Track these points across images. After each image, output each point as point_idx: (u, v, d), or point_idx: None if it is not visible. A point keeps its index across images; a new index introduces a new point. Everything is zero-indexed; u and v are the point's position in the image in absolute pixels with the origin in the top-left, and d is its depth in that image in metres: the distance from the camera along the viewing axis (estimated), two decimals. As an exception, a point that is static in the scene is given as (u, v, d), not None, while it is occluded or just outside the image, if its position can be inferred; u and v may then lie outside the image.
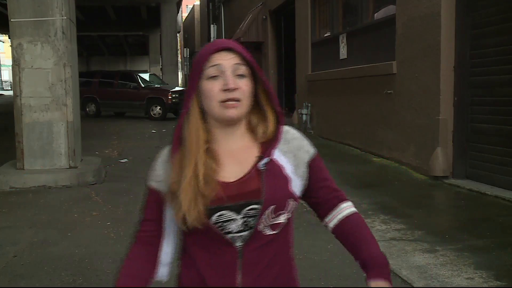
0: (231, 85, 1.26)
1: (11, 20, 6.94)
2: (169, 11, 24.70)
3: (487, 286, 3.33)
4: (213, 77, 1.28)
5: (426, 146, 6.60)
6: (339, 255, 4.05)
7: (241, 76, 1.29)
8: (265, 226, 1.28)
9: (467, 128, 6.28)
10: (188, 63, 34.88)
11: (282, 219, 1.30)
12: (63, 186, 6.72)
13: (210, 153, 1.30)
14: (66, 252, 4.21)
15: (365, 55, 8.75)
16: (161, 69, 28.12)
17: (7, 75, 56.69)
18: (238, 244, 1.28)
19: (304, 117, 11.50)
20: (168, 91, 17.34)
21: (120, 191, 6.45)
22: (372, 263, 1.31)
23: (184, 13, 41.18)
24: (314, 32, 11.56)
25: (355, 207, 1.42)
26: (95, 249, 4.27)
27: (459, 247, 4.03)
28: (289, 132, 1.38)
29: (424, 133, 6.70)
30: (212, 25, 18.81)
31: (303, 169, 1.36)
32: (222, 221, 1.26)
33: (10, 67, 8.26)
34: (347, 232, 1.38)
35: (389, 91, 7.64)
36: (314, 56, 11.52)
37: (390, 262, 1.33)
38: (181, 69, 38.11)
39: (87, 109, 18.39)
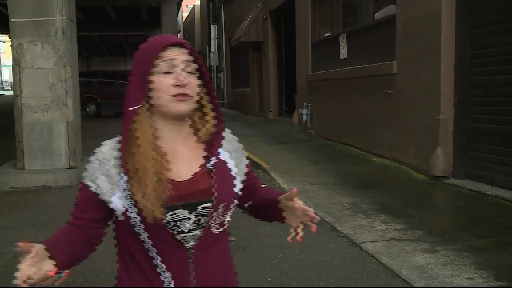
0: (184, 81, 1.26)
1: (12, 20, 6.94)
2: (169, 11, 24.66)
3: (487, 286, 3.33)
4: (165, 72, 1.27)
5: (426, 146, 6.60)
6: (339, 255, 4.05)
7: (190, 73, 1.29)
8: (214, 225, 1.30)
9: (467, 128, 6.28)
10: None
11: (227, 217, 1.33)
12: (63, 186, 6.72)
13: (158, 150, 1.28)
14: (67, 252, 4.20)
15: (365, 55, 8.75)
16: (161, 69, 28.04)
17: (7, 75, 56.70)
18: (190, 244, 1.27)
19: (304, 117, 11.50)
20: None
21: (120, 191, 6.43)
22: (278, 194, 1.43)
23: (184, 13, 41.14)
24: (314, 32, 11.55)
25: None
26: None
27: (459, 247, 4.03)
28: (227, 133, 1.41)
29: (424, 133, 6.70)
30: (212, 25, 18.82)
31: (243, 170, 1.41)
32: (175, 220, 1.25)
33: (10, 67, 8.26)
34: (257, 196, 1.49)
35: (389, 91, 7.64)
36: (314, 56, 11.51)
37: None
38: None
39: (87, 109, 18.41)
